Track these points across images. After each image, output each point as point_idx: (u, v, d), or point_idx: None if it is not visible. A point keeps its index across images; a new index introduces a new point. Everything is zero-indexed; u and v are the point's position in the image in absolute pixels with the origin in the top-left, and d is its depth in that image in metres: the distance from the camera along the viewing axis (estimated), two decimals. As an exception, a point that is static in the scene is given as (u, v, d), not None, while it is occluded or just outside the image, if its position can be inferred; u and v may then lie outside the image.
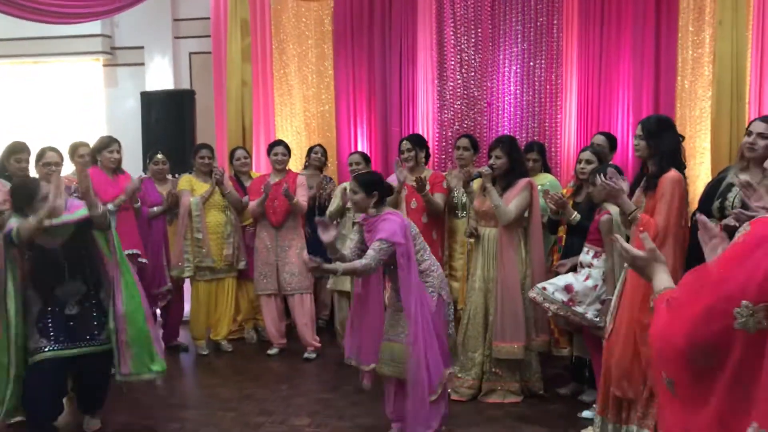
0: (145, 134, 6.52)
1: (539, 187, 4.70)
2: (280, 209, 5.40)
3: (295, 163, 7.01)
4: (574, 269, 4.17)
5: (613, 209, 3.82)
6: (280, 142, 5.73)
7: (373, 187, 3.71)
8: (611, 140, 5.04)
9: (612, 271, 3.84)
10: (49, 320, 3.82)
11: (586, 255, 4.06)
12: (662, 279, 1.76)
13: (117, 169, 5.20)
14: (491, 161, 4.48)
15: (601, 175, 3.62)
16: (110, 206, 4.81)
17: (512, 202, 4.36)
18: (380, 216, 3.68)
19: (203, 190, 5.50)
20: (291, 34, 6.98)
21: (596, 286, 3.95)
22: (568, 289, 4.00)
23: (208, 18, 7.06)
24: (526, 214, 4.49)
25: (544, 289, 4.06)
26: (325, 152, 6.31)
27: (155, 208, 5.45)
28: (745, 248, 1.40)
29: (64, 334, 3.81)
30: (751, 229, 1.43)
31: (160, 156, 5.59)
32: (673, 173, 3.41)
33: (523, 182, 4.41)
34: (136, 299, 3.93)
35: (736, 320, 1.37)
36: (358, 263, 3.50)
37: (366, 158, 5.51)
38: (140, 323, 3.91)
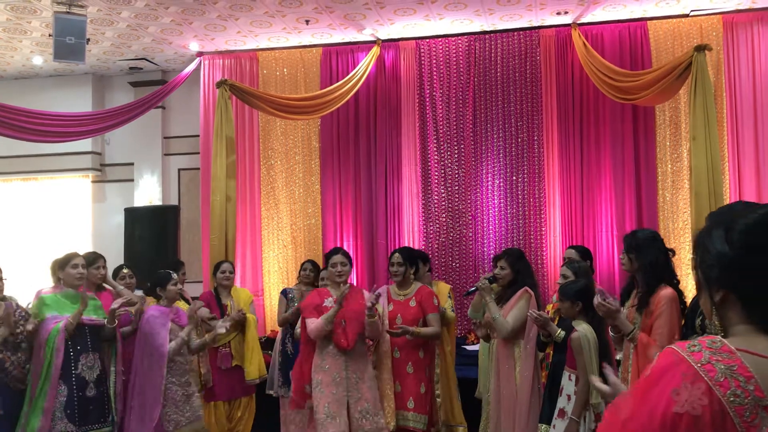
0: (128, 249, 6.50)
1: None
2: (351, 329, 4.29)
3: (283, 278, 6.98)
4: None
5: (582, 326, 3.68)
6: (338, 250, 4.67)
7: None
8: (582, 253, 4.94)
9: (583, 391, 3.59)
10: (75, 404, 4.11)
11: (569, 382, 3.72)
12: None
13: (100, 286, 5.08)
14: (496, 271, 4.33)
15: (598, 295, 3.49)
16: None
17: (510, 313, 4.15)
18: None
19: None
20: (279, 150, 7.14)
21: None
22: None
23: (198, 136, 7.23)
24: None
25: None
26: (315, 267, 5.95)
27: (126, 329, 5.17)
28: (647, 382, 1.33)
29: (84, 418, 4.12)
30: (655, 361, 1.36)
31: (125, 270, 5.31)
32: (666, 290, 3.29)
33: (519, 292, 4.21)
34: None
35: None
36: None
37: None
38: None
